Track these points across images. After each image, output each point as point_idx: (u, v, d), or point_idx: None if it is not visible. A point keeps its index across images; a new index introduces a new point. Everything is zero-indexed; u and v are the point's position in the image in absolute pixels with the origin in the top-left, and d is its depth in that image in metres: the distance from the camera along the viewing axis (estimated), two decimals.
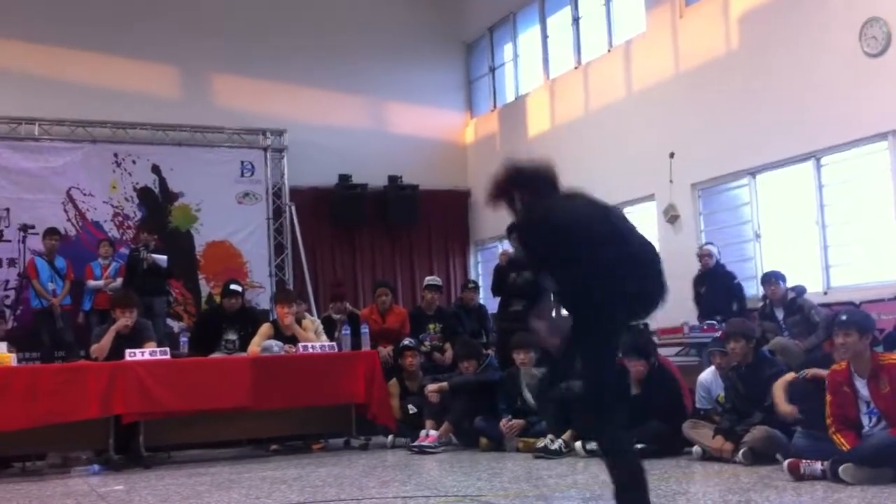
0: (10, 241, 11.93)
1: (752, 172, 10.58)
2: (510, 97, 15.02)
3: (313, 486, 6.13)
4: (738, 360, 6.79)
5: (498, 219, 12.96)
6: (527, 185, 4.13)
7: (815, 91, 9.66)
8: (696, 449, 6.68)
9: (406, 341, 9.29)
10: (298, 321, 8.91)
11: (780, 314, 8.97)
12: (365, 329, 9.03)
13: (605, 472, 3.98)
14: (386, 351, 9.36)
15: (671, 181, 11.29)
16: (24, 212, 12.03)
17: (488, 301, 11.81)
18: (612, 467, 3.91)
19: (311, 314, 10.53)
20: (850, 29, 9.28)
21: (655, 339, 8.82)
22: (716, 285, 9.95)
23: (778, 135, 10.05)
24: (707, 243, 10.41)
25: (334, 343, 8.79)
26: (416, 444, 8.09)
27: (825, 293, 9.65)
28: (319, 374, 8.28)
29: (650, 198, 11.83)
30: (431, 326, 10.02)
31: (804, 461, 5.47)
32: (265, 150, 13.84)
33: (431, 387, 8.62)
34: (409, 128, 15.06)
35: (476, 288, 11.31)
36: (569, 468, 6.59)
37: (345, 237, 14.61)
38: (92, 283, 11.35)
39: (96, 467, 7.54)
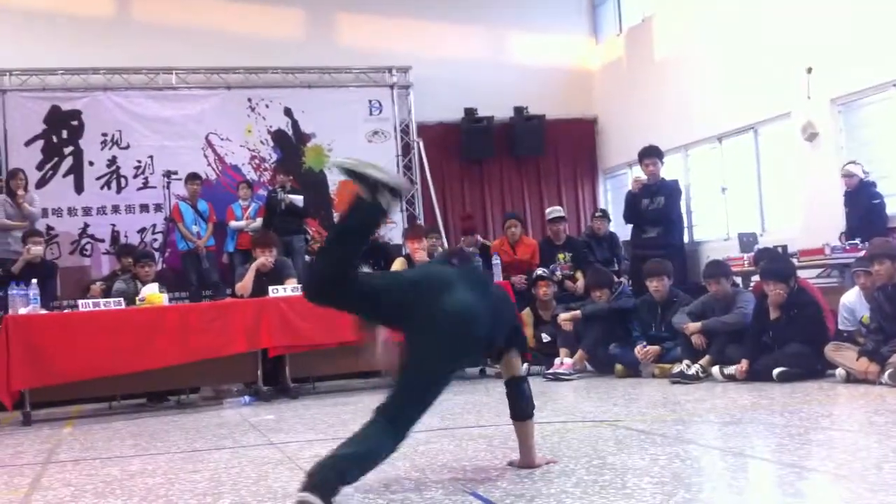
0: (154, 187, 12.46)
1: None
2: (636, 20, 14.61)
3: (452, 413, 6.28)
4: (883, 281, 6.57)
5: (628, 145, 12.86)
6: None
7: None
8: (839, 371, 6.53)
9: (539, 271, 9.36)
10: (430, 254, 9.06)
11: None
12: (496, 260, 9.12)
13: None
14: (518, 279, 9.43)
15: (809, 97, 10.83)
16: (166, 158, 12.53)
17: (619, 228, 11.71)
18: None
19: (444, 247, 10.69)
20: None
21: (795, 261, 8.58)
22: (856, 205, 9.64)
23: None
24: (849, 162, 9.94)
25: None
26: (550, 371, 8.18)
27: None
28: None
29: (786, 116, 11.38)
30: (561, 256, 10.07)
31: None
32: (391, 87, 13.94)
33: (564, 315, 8.67)
34: (534, 56, 14.86)
35: (605, 216, 11.26)
36: (707, 392, 6.55)
37: (473, 170, 14.65)
38: (234, 223, 11.80)
39: (247, 398, 7.90)
